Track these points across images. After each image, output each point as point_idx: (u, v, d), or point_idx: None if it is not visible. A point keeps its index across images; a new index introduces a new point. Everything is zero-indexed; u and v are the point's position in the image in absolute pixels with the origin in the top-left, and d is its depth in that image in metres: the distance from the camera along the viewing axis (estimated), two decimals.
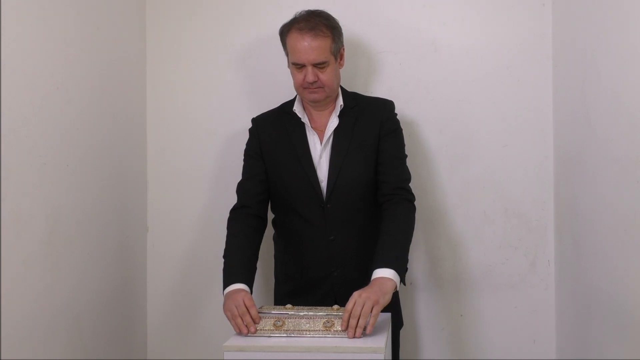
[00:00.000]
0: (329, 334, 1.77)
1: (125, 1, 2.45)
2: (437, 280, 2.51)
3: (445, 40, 2.49)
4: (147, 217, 2.60)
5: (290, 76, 2.14)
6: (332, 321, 1.80)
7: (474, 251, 2.50)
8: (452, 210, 2.50)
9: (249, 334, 1.81)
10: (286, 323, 1.82)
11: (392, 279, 1.87)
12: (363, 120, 2.15)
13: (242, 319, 1.83)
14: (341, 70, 2.19)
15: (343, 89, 2.21)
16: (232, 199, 2.19)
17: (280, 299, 2.21)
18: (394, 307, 2.17)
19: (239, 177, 2.21)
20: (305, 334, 1.79)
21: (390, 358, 1.97)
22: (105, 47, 2.29)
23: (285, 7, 2.25)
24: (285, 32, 2.11)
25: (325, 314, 1.83)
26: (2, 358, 1.71)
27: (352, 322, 1.77)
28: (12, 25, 1.77)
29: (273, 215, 2.27)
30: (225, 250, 2.06)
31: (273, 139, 2.18)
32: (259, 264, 2.54)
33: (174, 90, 2.59)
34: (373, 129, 2.13)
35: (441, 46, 2.49)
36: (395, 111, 2.21)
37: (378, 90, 2.47)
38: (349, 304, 1.79)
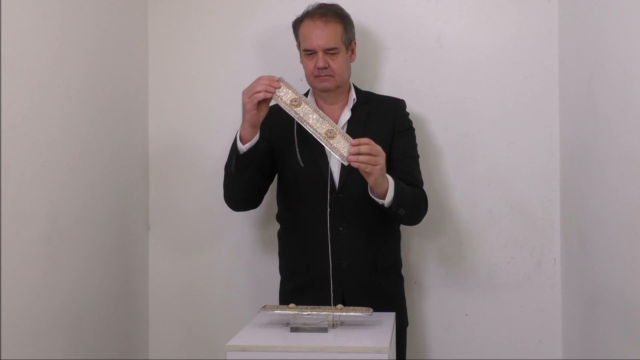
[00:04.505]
0: (329, 143, 1.87)
1: None
2: (442, 279, 2.50)
3: (450, 37, 2.47)
4: (149, 215, 2.59)
5: (298, 72, 2.15)
6: (335, 133, 1.88)
7: (479, 250, 2.48)
8: (457, 209, 2.48)
9: (278, 89, 1.92)
10: (302, 105, 1.92)
11: (390, 180, 1.93)
12: (375, 116, 2.16)
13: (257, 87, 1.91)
14: None
15: (356, 87, 2.23)
16: None
17: (285, 297, 2.19)
18: (399, 305, 2.17)
19: None
20: (308, 127, 1.89)
21: (395, 357, 1.95)
22: (107, 43, 2.28)
23: (290, 1, 2.25)
24: (298, 22, 2.15)
25: (327, 313, 1.81)
26: (2, 358, 1.70)
27: (361, 145, 1.84)
28: (12, 22, 1.75)
29: (277, 211, 2.26)
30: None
31: (283, 131, 2.16)
32: (261, 262, 2.54)
33: (176, 88, 2.58)
34: (386, 124, 2.15)
35: (446, 42, 2.47)
36: (407, 110, 2.24)
37: (383, 86, 2.46)
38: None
